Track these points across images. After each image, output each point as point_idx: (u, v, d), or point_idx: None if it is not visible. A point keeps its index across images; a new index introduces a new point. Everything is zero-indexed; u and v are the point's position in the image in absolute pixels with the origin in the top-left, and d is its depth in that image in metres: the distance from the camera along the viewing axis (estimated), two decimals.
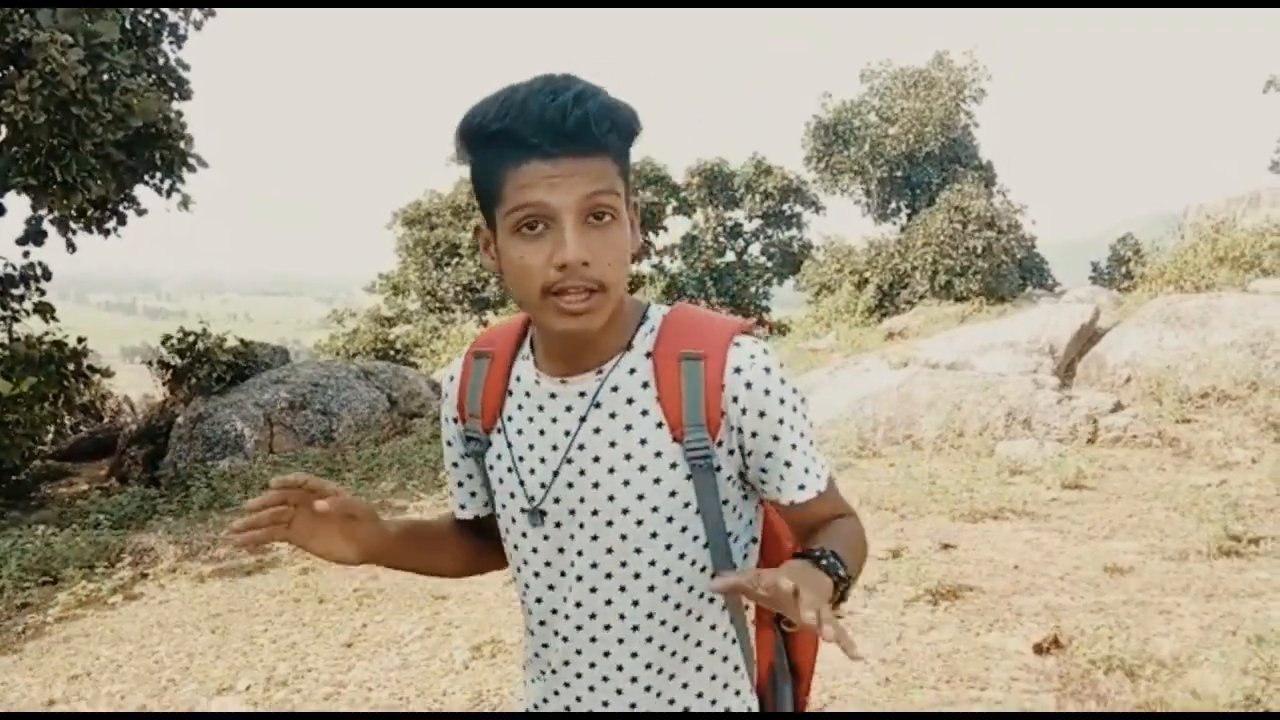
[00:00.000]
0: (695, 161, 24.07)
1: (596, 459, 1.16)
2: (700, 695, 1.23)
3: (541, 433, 1.19)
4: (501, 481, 1.24)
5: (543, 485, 1.20)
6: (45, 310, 9.21)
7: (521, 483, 1.21)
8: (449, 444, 1.32)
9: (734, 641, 1.25)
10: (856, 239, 20.49)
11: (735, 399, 1.13)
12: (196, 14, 9.92)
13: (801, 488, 1.17)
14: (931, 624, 4.31)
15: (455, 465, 1.32)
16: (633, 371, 1.15)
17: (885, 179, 20.53)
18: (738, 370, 1.12)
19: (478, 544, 1.36)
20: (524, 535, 1.24)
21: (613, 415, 1.16)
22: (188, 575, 5.66)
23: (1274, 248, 11.87)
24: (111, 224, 9.63)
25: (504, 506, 1.25)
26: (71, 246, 9.54)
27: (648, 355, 1.16)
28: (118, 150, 8.29)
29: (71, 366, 8.93)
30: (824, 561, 1.08)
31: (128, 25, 9.10)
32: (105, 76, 7.88)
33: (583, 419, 1.16)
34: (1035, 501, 6.10)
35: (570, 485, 1.18)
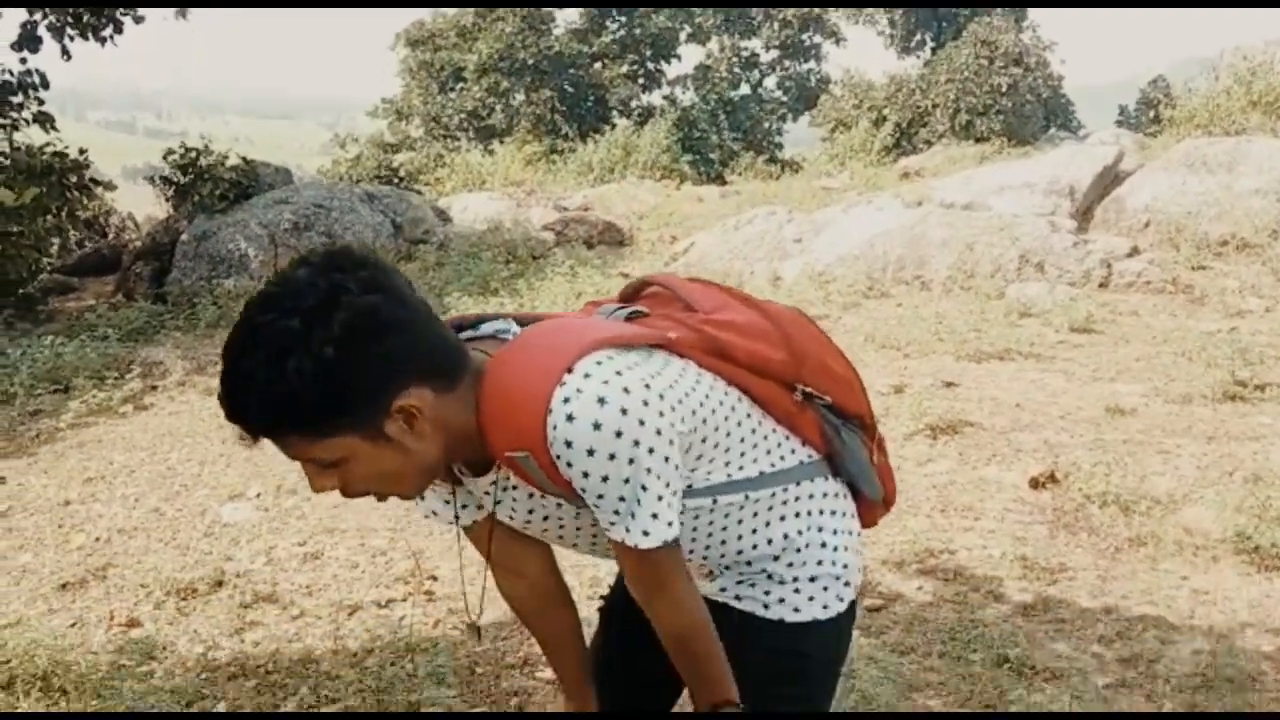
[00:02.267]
0: None
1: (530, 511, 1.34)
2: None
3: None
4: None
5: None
6: (45, 120, 8.97)
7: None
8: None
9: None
10: (877, 74, 19.75)
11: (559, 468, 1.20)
12: None
13: (610, 526, 1.24)
14: (929, 457, 4.37)
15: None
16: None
17: (911, 9, 19.65)
18: (551, 445, 1.17)
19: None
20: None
21: (515, 487, 1.31)
22: (196, 389, 5.72)
23: None
24: (108, 31, 9.25)
25: None
26: (66, 54, 9.20)
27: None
28: None
29: (74, 179, 8.77)
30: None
31: None
32: None
33: (497, 503, 1.33)
34: (1042, 343, 6.09)
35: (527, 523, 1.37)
